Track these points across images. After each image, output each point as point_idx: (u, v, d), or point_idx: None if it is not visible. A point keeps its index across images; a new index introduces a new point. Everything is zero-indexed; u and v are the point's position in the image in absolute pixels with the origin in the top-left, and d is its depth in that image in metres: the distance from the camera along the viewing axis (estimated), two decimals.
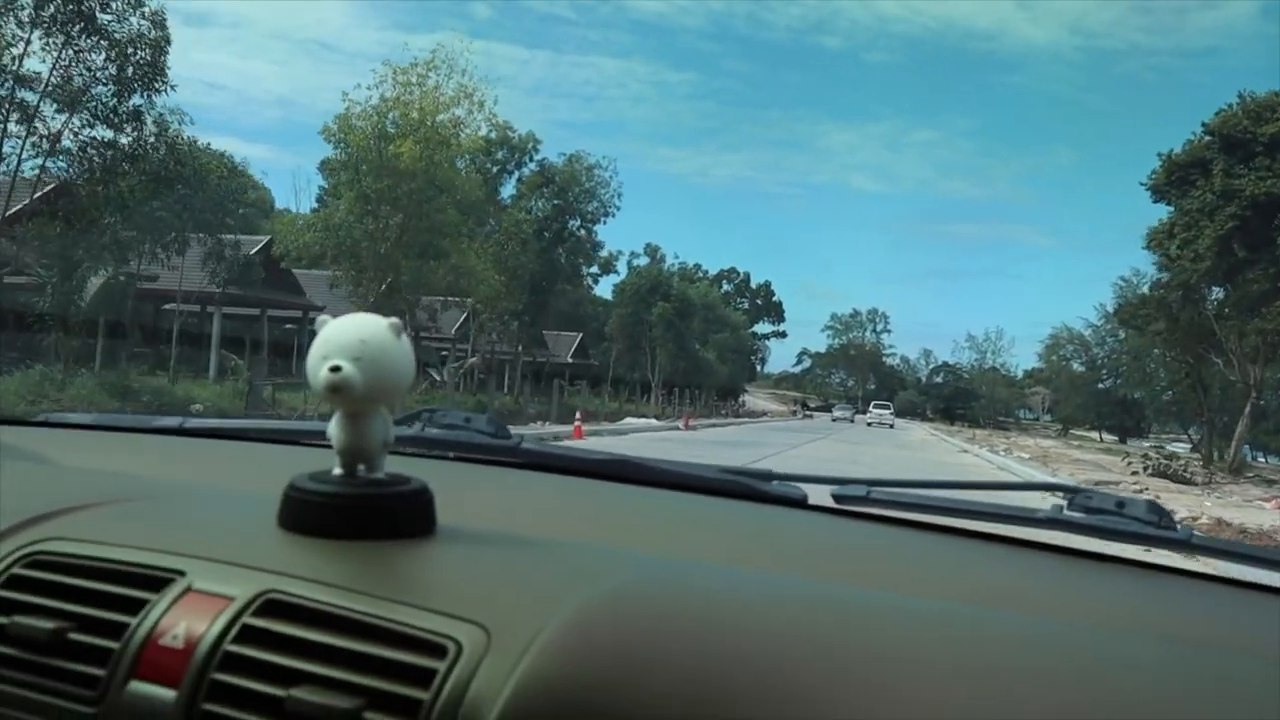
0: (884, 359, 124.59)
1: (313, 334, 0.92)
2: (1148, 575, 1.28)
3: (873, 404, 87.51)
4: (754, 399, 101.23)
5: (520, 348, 40.55)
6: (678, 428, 32.08)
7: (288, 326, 36.44)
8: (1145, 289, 49.03)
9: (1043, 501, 1.42)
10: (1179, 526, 1.31)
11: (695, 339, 59.11)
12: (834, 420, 71.90)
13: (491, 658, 0.75)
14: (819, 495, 1.48)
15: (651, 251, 79.69)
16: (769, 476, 1.54)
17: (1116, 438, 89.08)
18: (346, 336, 0.90)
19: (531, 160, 37.73)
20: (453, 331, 35.64)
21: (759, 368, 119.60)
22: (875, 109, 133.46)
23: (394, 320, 0.92)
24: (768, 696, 0.74)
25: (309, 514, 0.92)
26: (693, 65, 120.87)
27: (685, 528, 1.36)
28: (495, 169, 37.31)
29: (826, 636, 0.82)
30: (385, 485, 0.95)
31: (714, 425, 40.41)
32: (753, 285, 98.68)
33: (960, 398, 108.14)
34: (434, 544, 0.95)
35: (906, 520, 1.43)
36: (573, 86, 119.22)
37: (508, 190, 37.52)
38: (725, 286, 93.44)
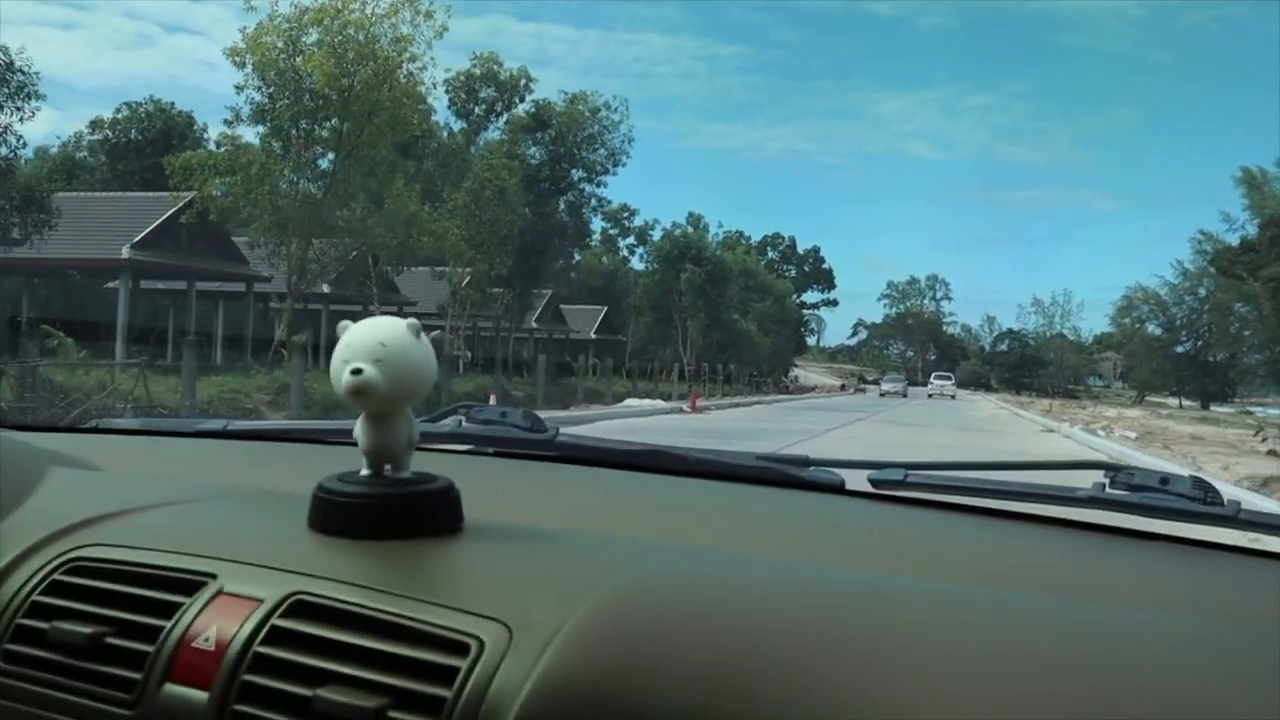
0: (944, 328, 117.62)
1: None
2: (1194, 552, 1.26)
3: (934, 375, 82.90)
4: (807, 374, 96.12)
5: (510, 320, 34.90)
6: (683, 410, 26.40)
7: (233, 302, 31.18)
8: (1238, 236, 43.09)
9: (1085, 480, 1.34)
10: (1226, 502, 1.27)
11: (733, 309, 53.32)
12: (882, 395, 62.36)
13: (513, 655, 0.77)
14: (856, 480, 1.46)
15: (694, 221, 74.17)
16: (806, 462, 1.53)
17: (1198, 403, 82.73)
18: (367, 339, 0.92)
19: (523, 100, 32.31)
20: (437, 306, 30.18)
21: (815, 340, 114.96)
22: (929, 75, 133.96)
23: (413, 321, 0.94)
24: (792, 686, 0.74)
25: (337, 515, 0.95)
26: (742, 38, 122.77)
27: (719, 517, 1.35)
28: (480, 109, 31.95)
29: (852, 625, 0.83)
30: (411, 484, 0.97)
31: (737, 406, 34.51)
32: (799, 251, 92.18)
33: (1027, 366, 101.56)
34: (461, 541, 0.97)
35: (945, 503, 1.42)
36: (623, 65, 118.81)
37: (496, 135, 32.02)
38: (770, 254, 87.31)
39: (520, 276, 31.16)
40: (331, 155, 21.16)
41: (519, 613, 0.80)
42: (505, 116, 31.32)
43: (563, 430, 1.59)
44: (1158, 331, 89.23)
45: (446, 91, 31.41)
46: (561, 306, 50.74)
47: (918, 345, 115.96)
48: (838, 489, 1.46)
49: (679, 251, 50.16)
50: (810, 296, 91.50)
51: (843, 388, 79.10)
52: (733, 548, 1.10)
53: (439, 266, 27.90)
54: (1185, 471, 1.42)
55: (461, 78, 31.51)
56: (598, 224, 76.64)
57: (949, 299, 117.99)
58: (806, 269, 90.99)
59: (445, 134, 31.29)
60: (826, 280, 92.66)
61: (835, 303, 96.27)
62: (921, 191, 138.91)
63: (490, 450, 1.66)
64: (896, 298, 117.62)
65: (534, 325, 45.10)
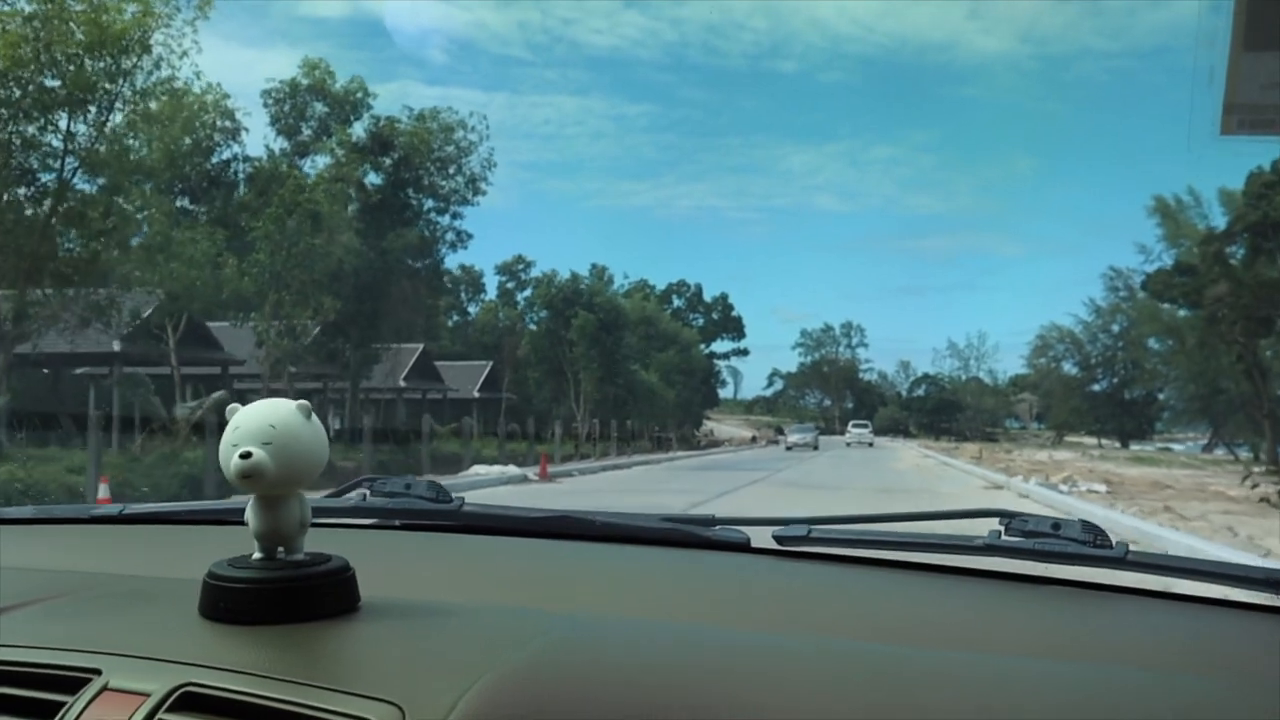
0: (860, 375, 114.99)
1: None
2: (1085, 595, 1.31)
3: (851, 423, 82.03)
4: (722, 426, 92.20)
5: (349, 378, 29.59)
6: (529, 478, 21.25)
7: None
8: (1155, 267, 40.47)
9: (982, 528, 1.40)
10: (1115, 544, 1.32)
11: (631, 358, 48.74)
12: (788, 449, 53.55)
13: None
14: (762, 537, 1.48)
15: (598, 272, 69.94)
16: (711, 521, 1.55)
17: (1117, 441, 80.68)
18: (256, 422, 0.92)
19: (359, 117, 27.47)
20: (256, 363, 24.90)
21: (733, 391, 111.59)
22: (834, 128, 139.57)
23: (303, 403, 0.94)
24: None
25: (227, 601, 0.93)
26: (650, 97, 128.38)
27: (625, 581, 1.36)
28: (310, 128, 27.04)
29: (749, 688, 0.84)
30: (305, 566, 0.96)
31: (615, 469, 29.51)
32: (706, 299, 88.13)
33: (944, 410, 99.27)
34: (356, 622, 0.96)
35: (848, 557, 1.45)
36: (532, 127, 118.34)
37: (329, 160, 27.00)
38: (676, 302, 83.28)
39: (355, 323, 26.04)
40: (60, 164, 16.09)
41: (411, 692, 0.79)
42: (336, 137, 26.21)
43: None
44: (1073, 371, 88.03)
45: (266, 104, 26.52)
46: (438, 363, 45.66)
47: (834, 393, 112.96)
48: (743, 547, 1.49)
49: (567, 297, 45.54)
50: (720, 346, 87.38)
51: (753, 440, 74.43)
52: (638, 612, 1.13)
53: (246, 313, 22.86)
54: (1074, 518, 1.39)
55: (286, 88, 26.59)
56: (493, 278, 73.05)
57: (864, 345, 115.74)
58: (715, 317, 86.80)
59: (265, 157, 26.27)
60: (736, 328, 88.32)
61: (746, 352, 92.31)
62: (831, 243, 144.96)
63: (396, 524, 1.64)
64: (811, 346, 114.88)
65: (403, 384, 39.95)
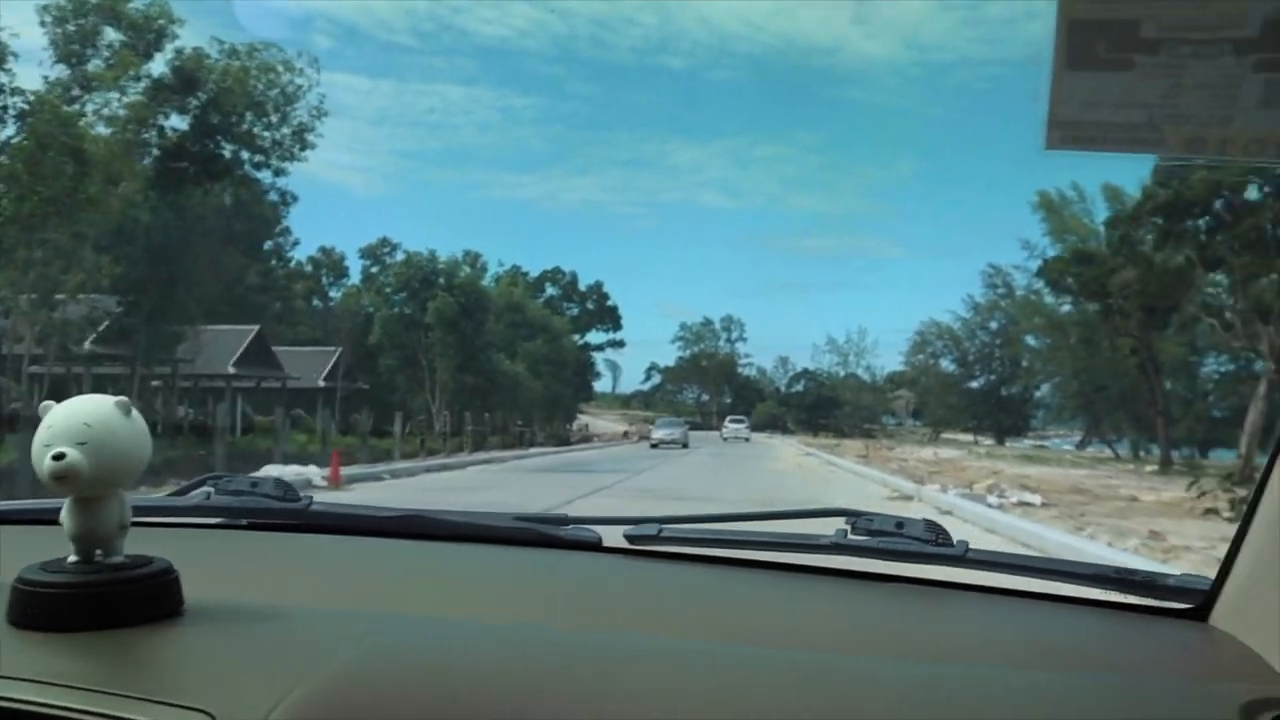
0: (740, 369, 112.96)
1: None
2: (928, 593, 1.35)
3: (728, 419, 79.60)
4: (598, 421, 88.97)
5: (139, 359, 25.01)
6: (313, 484, 15.74)
7: None
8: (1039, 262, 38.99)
9: (828, 527, 1.44)
10: (955, 542, 1.37)
11: (494, 346, 44.96)
12: (654, 447, 46.45)
13: None
14: (614, 537, 1.49)
15: (471, 259, 65.60)
16: (564, 520, 1.56)
17: (993, 439, 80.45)
18: (70, 421, 0.88)
19: (160, 49, 23.04)
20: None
21: (609, 385, 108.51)
22: (721, 126, 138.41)
23: (121, 399, 0.91)
24: None
25: (38, 608, 0.88)
26: (538, 89, 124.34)
27: (472, 582, 1.36)
28: (102, 58, 22.57)
29: (579, 687, 0.85)
30: (124, 569, 0.92)
31: (444, 469, 24.79)
32: (581, 288, 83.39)
33: (823, 406, 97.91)
34: (178, 627, 0.92)
35: (698, 556, 1.46)
36: (417, 115, 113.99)
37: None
38: (550, 290, 79.24)
39: (145, 293, 21.67)
40: None
41: (226, 700, 0.77)
42: (131, 69, 21.75)
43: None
44: (951, 368, 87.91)
45: (43, 23, 21.94)
46: (280, 349, 41.13)
47: (713, 388, 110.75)
48: (594, 546, 1.50)
49: (426, 278, 41.53)
50: (596, 336, 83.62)
51: (625, 435, 70.95)
52: (480, 614, 1.12)
53: None
54: (918, 517, 1.44)
55: (69, 6, 21.99)
56: (356, 262, 68.14)
57: (743, 340, 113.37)
58: (590, 307, 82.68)
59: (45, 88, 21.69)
60: (611, 319, 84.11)
61: (622, 343, 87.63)
62: (716, 239, 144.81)
63: (242, 523, 1.60)
64: (690, 340, 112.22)
65: (232, 370, 35.44)
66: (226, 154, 23.54)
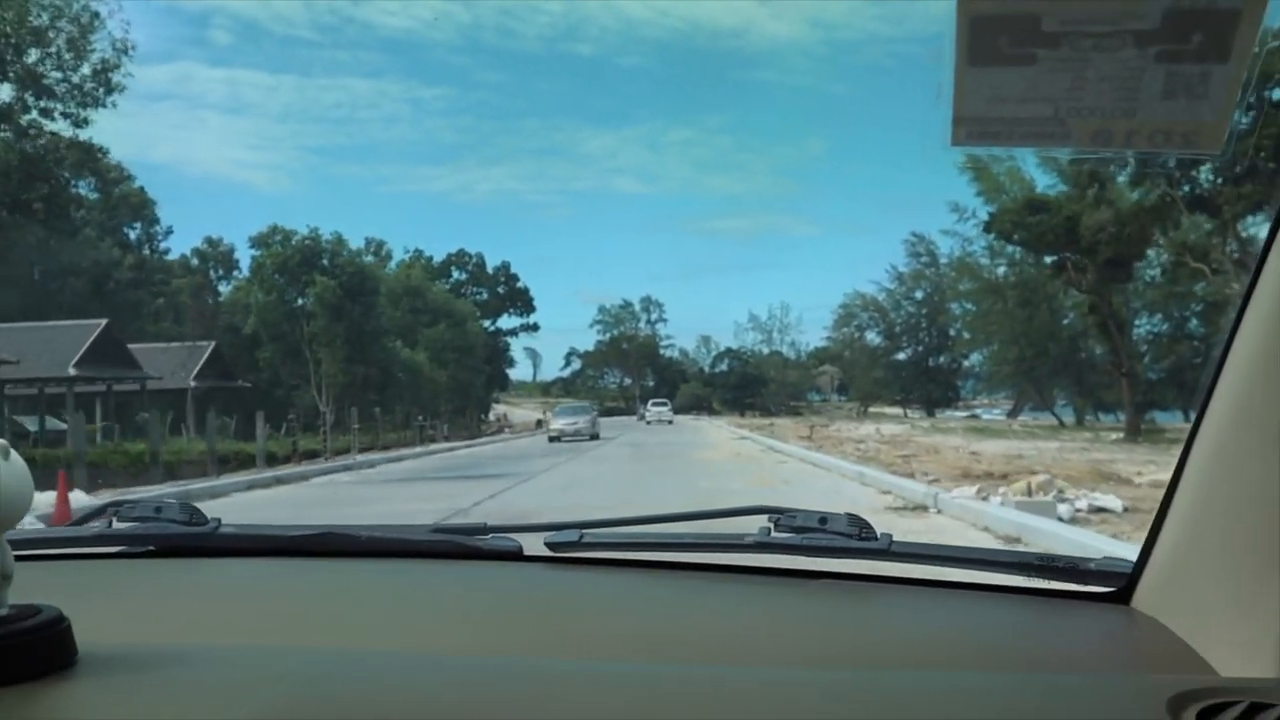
0: (661, 351, 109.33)
1: None
2: (850, 587, 1.36)
3: (650, 402, 77.07)
4: (518, 411, 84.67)
5: None
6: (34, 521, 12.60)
7: None
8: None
9: (752, 525, 1.43)
10: (879, 535, 1.38)
11: (389, 333, 40.41)
12: (553, 440, 37.88)
13: None
14: (535, 544, 1.47)
15: (375, 247, 60.55)
16: (483, 530, 1.53)
17: (923, 412, 78.12)
18: None
19: None
20: None
21: (529, 373, 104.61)
22: (632, 112, 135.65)
23: (1, 442, 0.86)
24: None
25: None
26: (446, 80, 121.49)
27: (392, 599, 1.33)
28: None
29: (513, 716, 0.83)
30: (8, 623, 0.85)
31: (260, 486, 19.43)
32: (489, 270, 78.01)
33: (748, 385, 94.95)
34: (72, 680, 0.86)
35: (621, 560, 1.45)
36: (323, 110, 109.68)
37: None
38: (456, 274, 74.44)
39: None
40: None
41: None
42: None
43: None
44: (877, 340, 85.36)
45: None
46: (138, 346, 36.12)
47: (634, 371, 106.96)
48: (515, 555, 1.48)
49: (306, 258, 36.83)
50: (507, 322, 78.82)
51: (539, 424, 66.09)
52: (401, 636, 1.11)
53: None
54: (841, 512, 1.44)
55: None
56: (247, 254, 62.82)
57: (664, 321, 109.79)
58: (500, 290, 77.89)
59: None
60: (523, 302, 79.46)
61: (535, 327, 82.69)
62: (632, 225, 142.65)
63: (148, 549, 1.53)
64: (610, 323, 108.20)
65: (73, 372, 30.48)
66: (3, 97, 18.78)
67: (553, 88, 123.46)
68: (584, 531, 1.45)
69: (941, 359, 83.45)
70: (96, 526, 1.54)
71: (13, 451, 0.84)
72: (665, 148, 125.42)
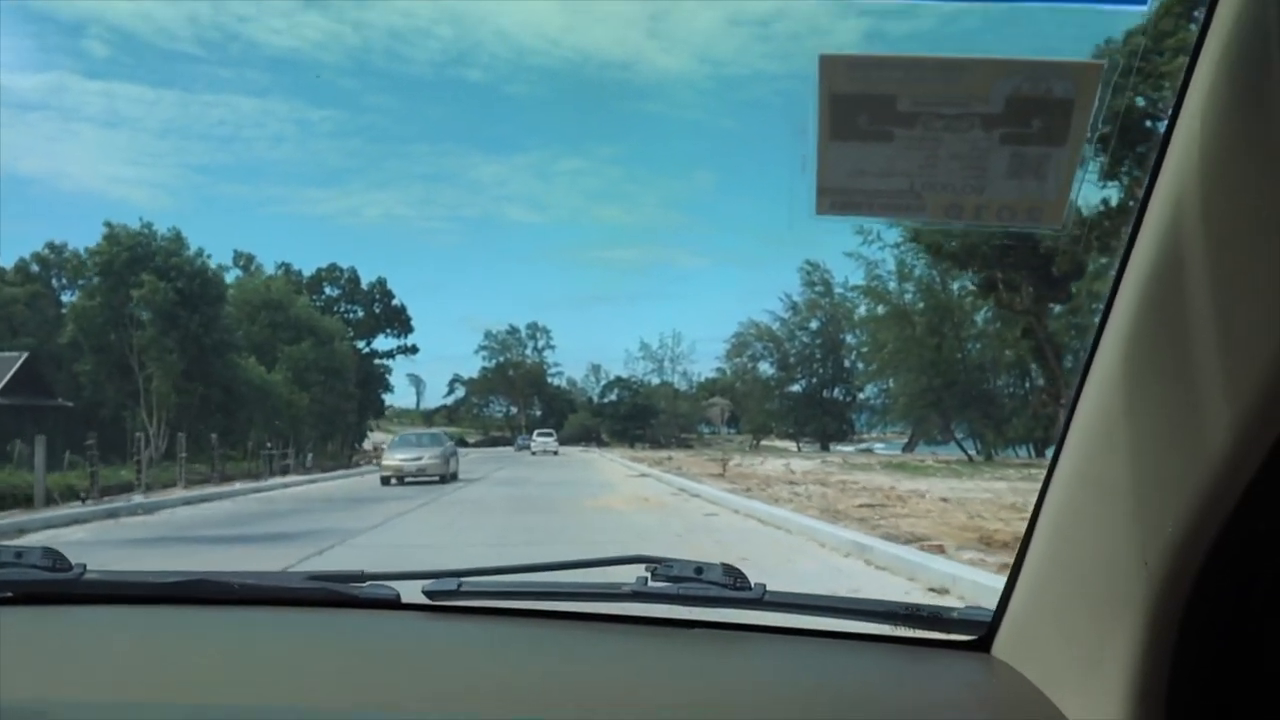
0: (549, 379, 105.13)
1: None
2: (726, 636, 1.40)
3: (535, 432, 73.06)
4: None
5: None
6: None
7: None
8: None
9: (629, 575, 1.43)
10: (753, 585, 1.39)
11: (238, 348, 35.54)
12: (389, 482, 27.33)
13: None
14: (412, 592, 1.45)
15: (243, 260, 55.03)
16: (360, 577, 1.50)
17: (818, 444, 75.90)
18: None
19: None
20: None
21: (415, 400, 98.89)
22: (522, 140, 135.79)
23: None
24: None
25: None
26: (334, 102, 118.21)
27: (266, 651, 1.31)
28: None
29: None
30: None
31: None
32: (364, 286, 71.31)
33: (639, 416, 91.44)
34: None
35: (498, 610, 1.46)
36: (206, 127, 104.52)
37: None
38: (329, 290, 68.67)
39: None
40: None
41: None
42: None
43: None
44: (770, 371, 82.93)
45: None
46: None
47: (521, 399, 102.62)
48: (392, 604, 1.45)
49: (136, 258, 31.82)
50: (384, 343, 72.87)
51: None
52: (275, 688, 1.09)
53: None
54: (717, 562, 1.45)
55: None
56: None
57: (551, 348, 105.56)
58: (376, 309, 71.51)
59: None
60: (400, 321, 72.94)
61: (414, 349, 75.31)
62: (522, 253, 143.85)
63: (7, 596, 1.47)
64: (495, 349, 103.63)
65: None
66: None
67: (442, 113, 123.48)
68: (462, 580, 1.43)
69: (836, 391, 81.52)
70: None
71: None
72: (555, 176, 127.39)
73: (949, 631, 1.33)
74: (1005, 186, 0.91)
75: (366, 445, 58.25)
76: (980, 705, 1.16)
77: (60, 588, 1.43)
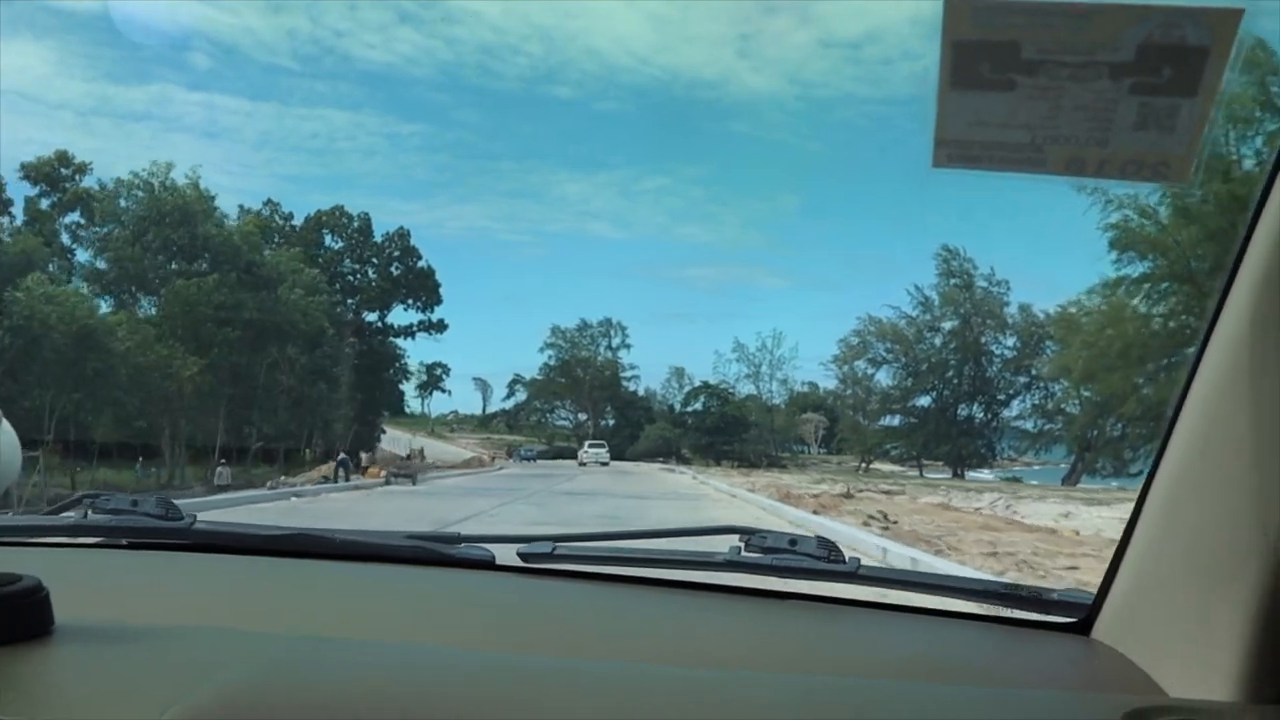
0: (624, 382, 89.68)
1: None
2: (819, 608, 1.38)
3: (587, 443, 63.16)
4: (449, 447, 65.67)
5: None
6: None
7: None
8: None
9: (723, 545, 1.44)
10: (848, 559, 1.41)
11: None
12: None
13: None
14: (507, 555, 1.50)
15: (271, 209, 41.15)
16: (457, 539, 1.55)
17: (949, 470, 59.93)
18: None
19: None
20: None
21: (481, 404, 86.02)
22: (607, 158, 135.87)
23: None
24: None
25: None
26: (423, 117, 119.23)
27: (363, 601, 1.34)
28: None
29: (473, 706, 0.85)
30: None
31: None
32: (377, 239, 52.43)
33: (728, 429, 75.69)
34: (48, 646, 0.90)
35: (592, 574, 1.48)
36: (300, 140, 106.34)
37: None
38: (331, 241, 51.53)
39: None
40: None
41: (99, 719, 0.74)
42: None
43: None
44: (888, 380, 66.56)
45: None
46: None
47: (589, 404, 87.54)
48: (487, 565, 1.51)
49: None
50: (404, 317, 55.03)
51: (471, 463, 42.08)
52: (370, 633, 1.12)
53: None
54: (810, 535, 1.44)
55: None
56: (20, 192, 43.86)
57: (627, 346, 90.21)
58: (394, 271, 52.42)
59: None
60: (426, 290, 53.60)
61: (442, 326, 55.78)
62: (605, 269, 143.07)
63: (124, 542, 1.56)
64: (563, 346, 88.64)
65: None
66: None
67: (530, 130, 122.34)
68: (557, 544, 1.46)
69: (975, 406, 65.27)
70: (72, 517, 1.53)
71: (4, 420, 0.82)
72: (639, 195, 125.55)
73: (1048, 613, 1.32)
74: (1131, 139, 0.88)
75: (375, 453, 43.43)
76: (1082, 683, 1.14)
77: (172, 535, 1.49)
